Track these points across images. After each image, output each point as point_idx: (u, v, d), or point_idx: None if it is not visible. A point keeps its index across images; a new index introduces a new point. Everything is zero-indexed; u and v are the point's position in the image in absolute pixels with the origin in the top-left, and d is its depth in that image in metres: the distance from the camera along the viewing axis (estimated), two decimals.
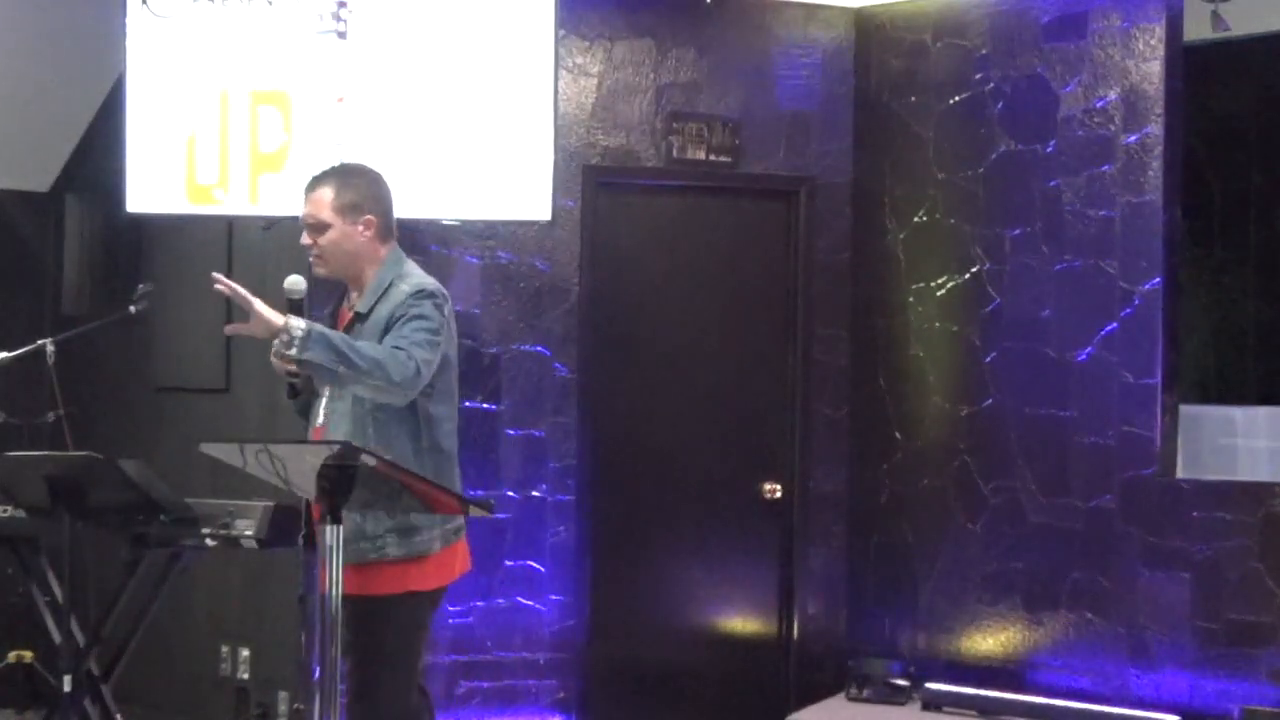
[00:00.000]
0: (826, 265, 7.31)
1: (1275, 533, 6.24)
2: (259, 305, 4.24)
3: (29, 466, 5.38)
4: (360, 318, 4.47)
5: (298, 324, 4.19)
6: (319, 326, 4.26)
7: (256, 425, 6.73)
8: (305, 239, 4.52)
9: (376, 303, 4.45)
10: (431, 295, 4.42)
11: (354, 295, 4.56)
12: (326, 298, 4.76)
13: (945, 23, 7.13)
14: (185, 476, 5.85)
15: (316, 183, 4.53)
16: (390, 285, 4.47)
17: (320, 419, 4.50)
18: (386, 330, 4.38)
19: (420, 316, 4.37)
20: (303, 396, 4.52)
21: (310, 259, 4.54)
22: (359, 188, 4.51)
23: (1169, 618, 6.45)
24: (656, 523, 7.18)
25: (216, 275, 4.34)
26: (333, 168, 4.59)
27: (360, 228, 4.49)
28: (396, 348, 4.30)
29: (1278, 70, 7.83)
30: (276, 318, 4.21)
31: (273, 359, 4.28)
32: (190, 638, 7.10)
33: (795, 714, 6.96)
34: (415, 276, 4.51)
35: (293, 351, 4.18)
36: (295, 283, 4.37)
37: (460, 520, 4.52)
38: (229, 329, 4.47)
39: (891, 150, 7.26)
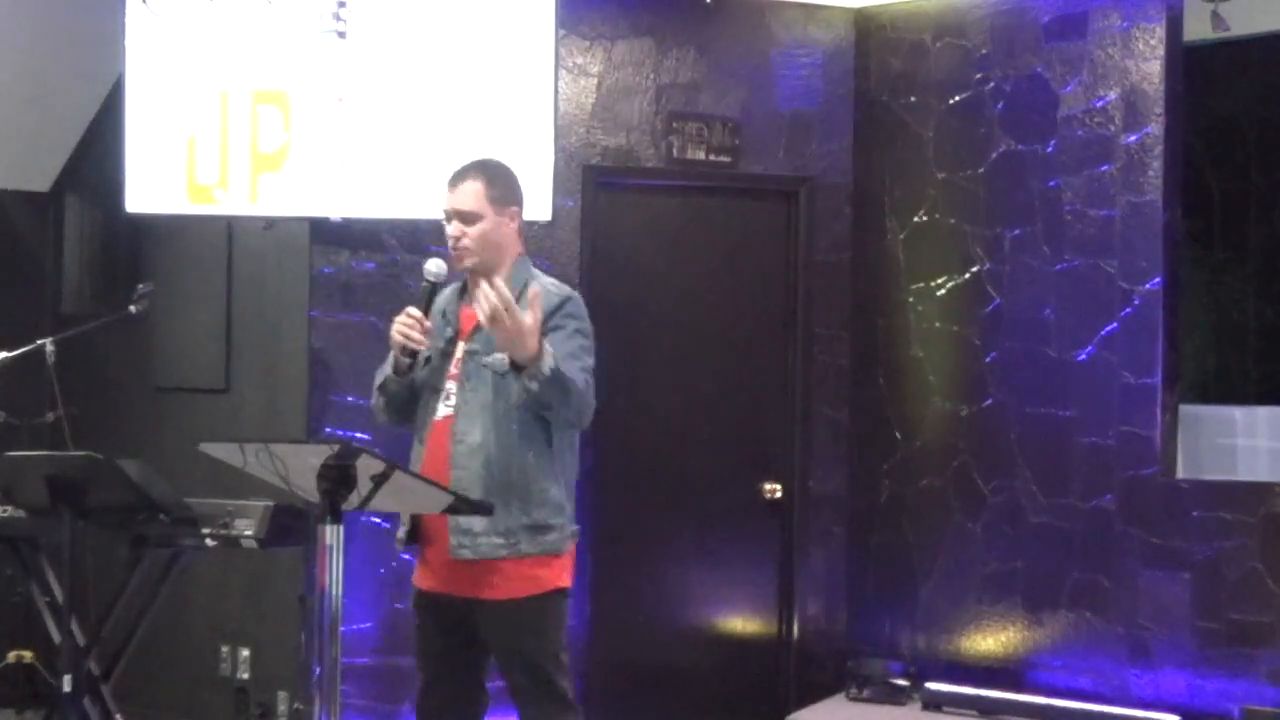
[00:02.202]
0: (826, 265, 7.31)
1: (1275, 533, 6.24)
2: (529, 321, 4.22)
3: (29, 466, 5.38)
4: None
5: (549, 362, 4.24)
6: (561, 370, 4.27)
7: (256, 425, 6.73)
8: (454, 230, 4.51)
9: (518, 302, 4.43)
10: (577, 301, 4.52)
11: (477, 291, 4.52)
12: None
13: (945, 23, 7.14)
14: (185, 476, 5.84)
15: (463, 175, 4.54)
16: (526, 284, 4.46)
17: (448, 410, 4.48)
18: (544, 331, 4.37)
19: (582, 332, 4.48)
20: (404, 380, 4.50)
21: (455, 250, 4.52)
22: (506, 180, 4.58)
23: (1169, 618, 6.45)
24: (656, 523, 7.18)
25: (492, 284, 4.21)
26: (476, 162, 4.60)
27: (508, 219, 4.54)
28: (585, 374, 4.40)
29: (1278, 70, 7.83)
30: (533, 343, 4.21)
31: (396, 336, 4.39)
32: (190, 638, 7.10)
33: (795, 714, 6.96)
34: (547, 279, 4.57)
35: (533, 385, 4.25)
36: (438, 265, 4.46)
37: (576, 525, 4.59)
38: (497, 340, 4.31)
39: (891, 150, 7.26)
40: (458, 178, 4.54)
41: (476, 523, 4.38)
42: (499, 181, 4.55)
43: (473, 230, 4.49)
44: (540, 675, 4.45)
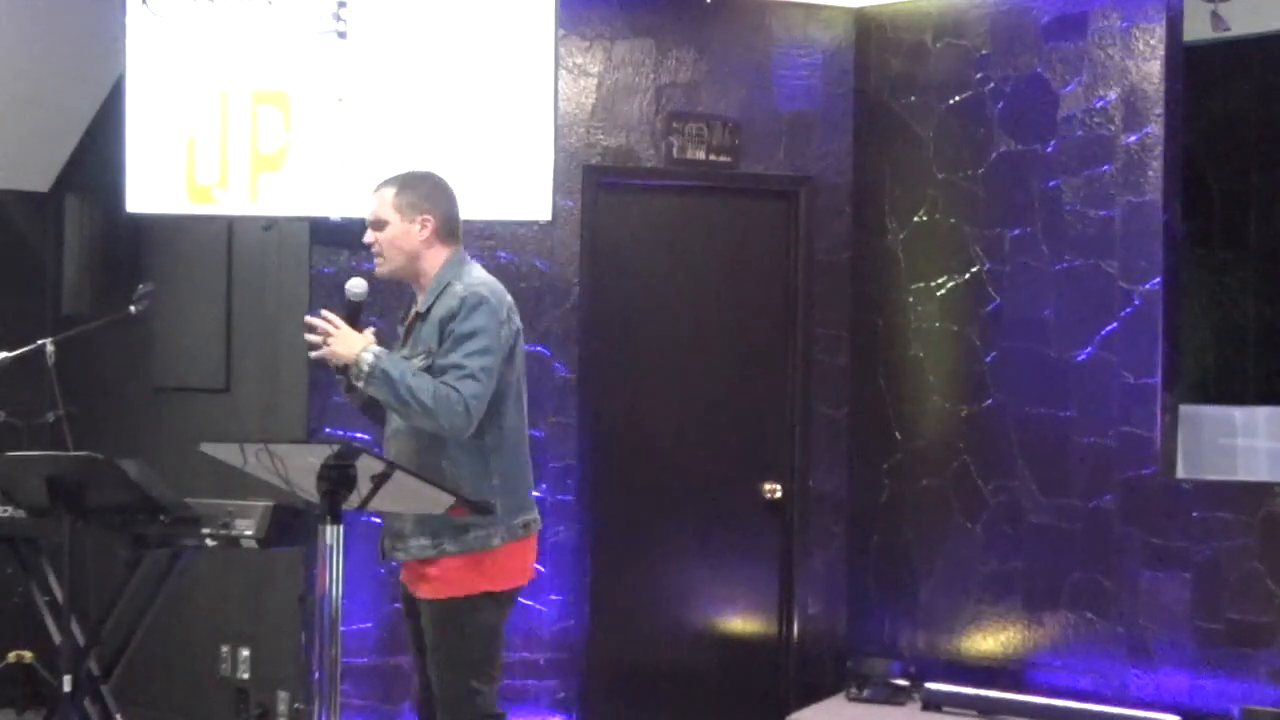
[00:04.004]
0: (826, 265, 7.31)
1: (1275, 533, 6.24)
2: (344, 331, 4.44)
3: (29, 466, 5.38)
4: (421, 317, 4.59)
5: (368, 358, 4.38)
6: (387, 364, 4.39)
7: (256, 425, 6.73)
8: (367, 236, 4.65)
9: (434, 303, 4.56)
10: (483, 300, 4.49)
11: (419, 297, 4.66)
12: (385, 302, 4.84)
13: (945, 23, 7.14)
14: (185, 476, 5.84)
15: (381, 184, 4.67)
16: (448, 285, 4.56)
17: (390, 427, 4.63)
18: (441, 334, 4.47)
19: (471, 335, 4.44)
20: (358, 395, 4.60)
21: (374, 258, 4.67)
22: (418, 188, 4.65)
23: (1169, 618, 6.45)
24: (656, 523, 7.18)
25: (309, 319, 4.48)
26: (399, 173, 4.72)
27: (417, 226, 4.59)
28: (448, 386, 4.38)
29: (1278, 70, 7.83)
30: (352, 348, 4.40)
31: (321, 356, 4.49)
32: (190, 638, 7.10)
33: (795, 714, 6.96)
34: (471, 278, 4.58)
35: (360, 384, 4.42)
36: (356, 284, 4.54)
37: (531, 515, 4.58)
38: (313, 354, 4.52)
39: (891, 150, 7.26)
40: (377, 186, 4.68)
41: (406, 525, 4.48)
42: (410, 189, 4.63)
43: (381, 236, 4.61)
44: (458, 680, 4.47)
